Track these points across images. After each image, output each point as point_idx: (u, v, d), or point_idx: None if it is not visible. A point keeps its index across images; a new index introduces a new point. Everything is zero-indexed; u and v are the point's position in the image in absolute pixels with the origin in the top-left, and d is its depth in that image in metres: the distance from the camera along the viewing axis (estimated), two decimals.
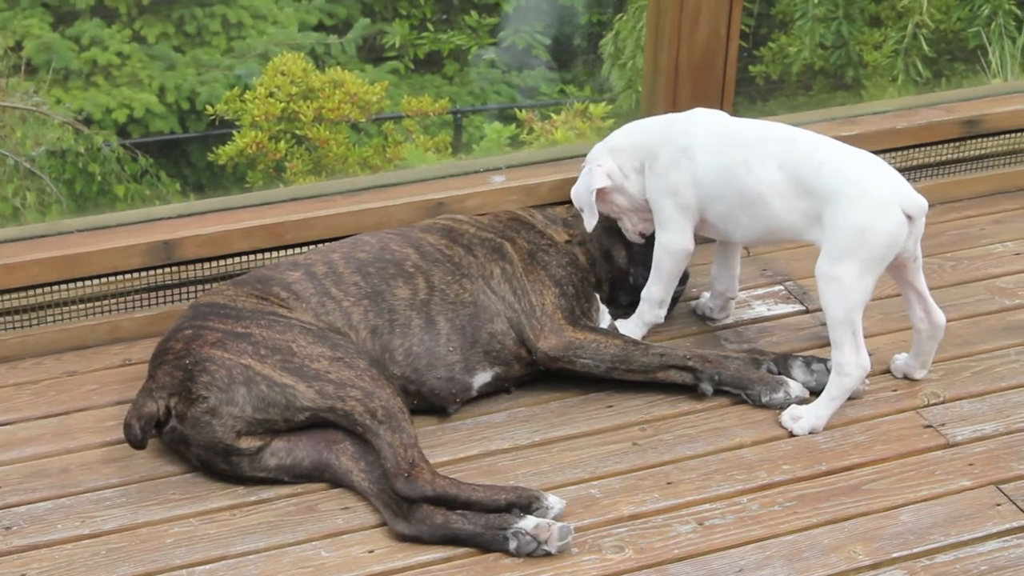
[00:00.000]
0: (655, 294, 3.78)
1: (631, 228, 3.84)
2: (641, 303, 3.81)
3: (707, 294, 3.98)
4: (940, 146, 4.55)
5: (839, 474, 3.39)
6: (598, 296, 3.84)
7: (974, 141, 4.57)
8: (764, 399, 3.59)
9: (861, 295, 3.44)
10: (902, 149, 4.49)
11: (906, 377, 3.72)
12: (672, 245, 3.71)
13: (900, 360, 3.73)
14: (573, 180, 3.85)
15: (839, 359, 3.48)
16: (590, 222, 3.77)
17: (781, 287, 4.13)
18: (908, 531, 3.21)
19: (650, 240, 3.81)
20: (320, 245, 3.86)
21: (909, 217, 3.44)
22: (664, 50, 4.19)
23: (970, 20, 9.27)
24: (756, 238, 3.70)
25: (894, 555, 3.15)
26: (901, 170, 4.49)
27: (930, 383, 3.69)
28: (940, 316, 3.63)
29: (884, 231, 3.42)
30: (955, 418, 3.58)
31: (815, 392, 3.60)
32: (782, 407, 3.58)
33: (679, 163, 3.66)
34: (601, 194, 3.75)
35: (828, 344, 3.76)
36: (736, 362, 3.65)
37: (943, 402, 3.64)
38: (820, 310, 3.93)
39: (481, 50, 10.81)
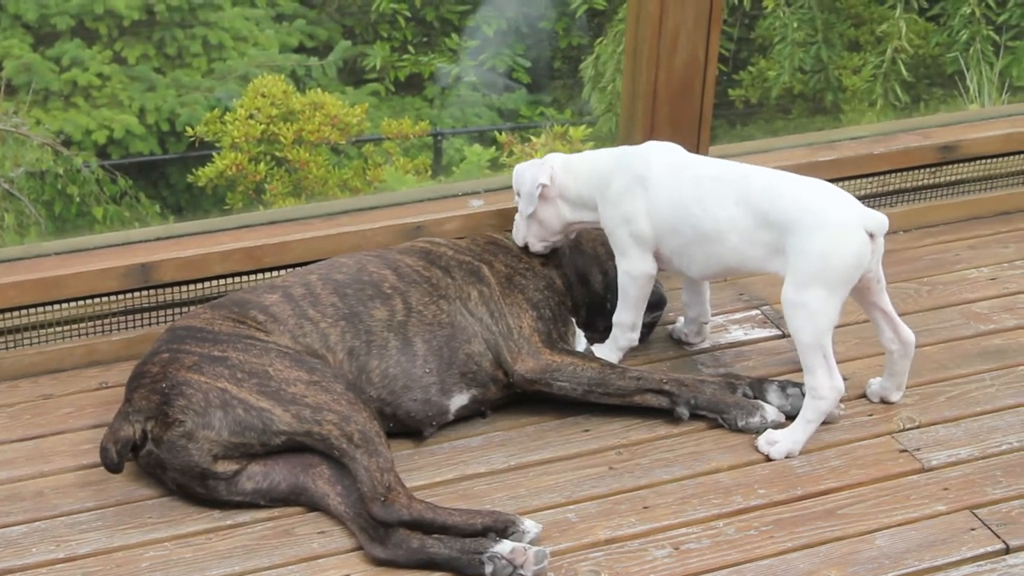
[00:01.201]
0: (625, 319, 3.79)
1: (522, 235, 3.85)
2: (613, 328, 3.82)
3: (682, 319, 3.99)
4: (917, 171, 4.57)
5: (815, 499, 3.40)
6: (574, 320, 3.85)
7: (950, 167, 4.60)
8: (740, 423, 3.60)
9: (829, 319, 3.46)
10: (879, 174, 4.51)
11: (883, 400, 3.73)
12: (634, 271, 3.72)
13: (876, 384, 3.75)
14: None
15: (812, 383, 3.49)
16: (527, 209, 3.79)
17: (758, 312, 4.14)
18: (883, 555, 3.22)
19: None
20: (298, 267, 3.86)
21: (871, 236, 3.46)
22: (642, 75, 4.20)
23: (948, 45, 9.33)
24: (712, 273, 3.71)
25: None
26: (877, 195, 4.54)
27: (905, 408, 3.71)
28: (909, 334, 3.66)
29: (849, 254, 3.44)
30: (930, 443, 3.59)
31: (790, 416, 3.61)
32: (758, 431, 3.59)
33: (633, 190, 3.67)
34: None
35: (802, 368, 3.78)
36: (712, 386, 3.66)
37: (918, 427, 3.65)
38: None
39: (459, 70, 10.83)
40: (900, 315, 3.93)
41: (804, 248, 3.45)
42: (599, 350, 3.82)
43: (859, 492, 3.42)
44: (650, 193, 3.66)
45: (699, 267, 3.68)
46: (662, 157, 3.71)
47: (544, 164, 3.82)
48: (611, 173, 3.73)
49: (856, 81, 9.53)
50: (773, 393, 3.67)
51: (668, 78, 4.20)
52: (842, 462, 3.51)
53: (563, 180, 3.79)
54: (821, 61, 9.59)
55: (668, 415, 3.64)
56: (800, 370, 3.73)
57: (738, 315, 4.13)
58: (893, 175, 4.54)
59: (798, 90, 9.78)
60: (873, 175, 4.50)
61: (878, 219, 3.49)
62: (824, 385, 3.49)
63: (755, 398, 3.67)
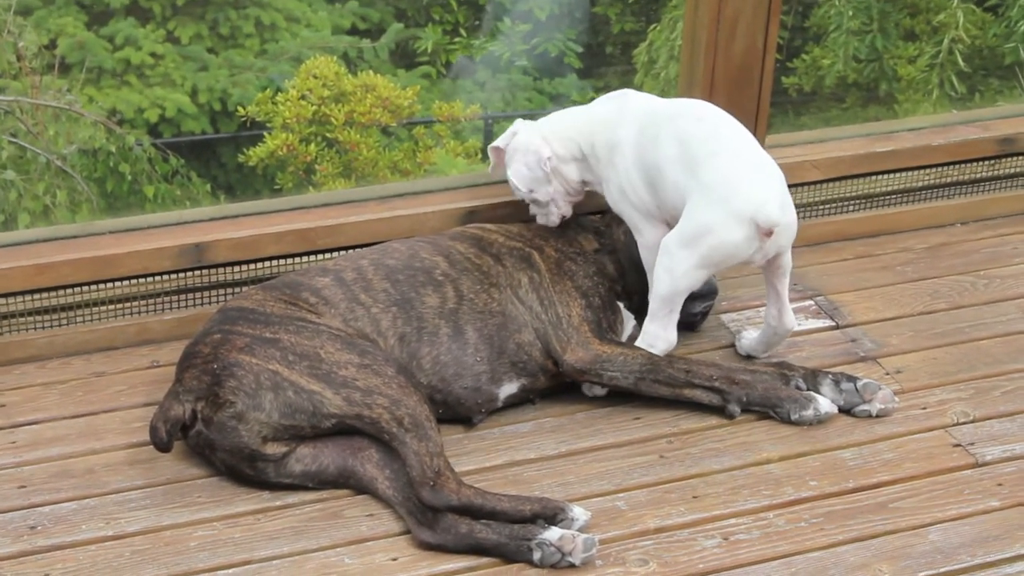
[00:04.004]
0: None
1: (556, 213, 3.81)
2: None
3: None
4: (975, 164, 4.52)
5: (867, 491, 3.37)
6: (623, 305, 3.82)
7: (1009, 159, 4.55)
8: (793, 416, 3.57)
9: (689, 284, 3.54)
10: (937, 166, 4.47)
11: (749, 355, 3.79)
12: (650, 243, 3.69)
13: (747, 339, 3.82)
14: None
15: (649, 328, 3.58)
16: (547, 188, 3.76)
17: (812, 302, 4.10)
18: (936, 550, 3.19)
19: None
20: (350, 251, 3.86)
21: (767, 230, 3.45)
22: (700, 63, 4.17)
23: (1006, 36, 9.24)
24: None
25: (920, 574, 3.12)
26: (935, 187, 4.48)
27: (960, 402, 3.67)
28: (791, 321, 3.71)
29: (729, 242, 3.47)
30: (985, 437, 3.55)
31: (844, 410, 3.58)
32: (811, 424, 3.56)
33: (612, 160, 3.67)
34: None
35: (858, 360, 3.76)
36: (764, 380, 3.62)
37: (973, 421, 3.61)
38: (851, 326, 3.93)
39: (513, 56, 10.82)
40: (955, 308, 3.90)
41: (698, 212, 3.47)
42: None
43: (912, 486, 3.39)
44: (625, 154, 3.65)
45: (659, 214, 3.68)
46: (633, 108, 3.71)
47: (532, 144, 3.75)
48: (593, 139, 3.71)
49: (911, 71, 9.45)
50: (827, 386, 3.63)
51: (726, 66, 4.16)
52: (895, 455, 3.48)
53: (554, 149, 3.75)
54: (876, 50, 9.51)
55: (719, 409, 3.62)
56: (855, 362, 3.72)
57: (792, 305, 4.07)
58: (951, 167, 4.49)
59: (852, 79, 9.71)
60: (931, 167, 4.46)
61: (771, 218, 3.45)
62: (659, 335, 3.59)
63: (808, 390, 3.63)
